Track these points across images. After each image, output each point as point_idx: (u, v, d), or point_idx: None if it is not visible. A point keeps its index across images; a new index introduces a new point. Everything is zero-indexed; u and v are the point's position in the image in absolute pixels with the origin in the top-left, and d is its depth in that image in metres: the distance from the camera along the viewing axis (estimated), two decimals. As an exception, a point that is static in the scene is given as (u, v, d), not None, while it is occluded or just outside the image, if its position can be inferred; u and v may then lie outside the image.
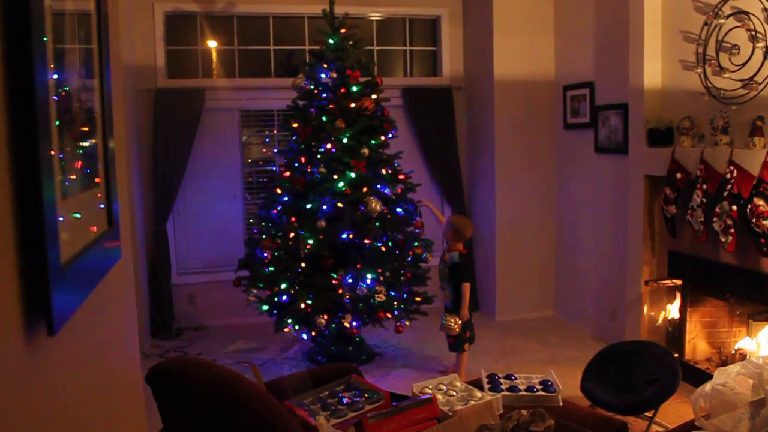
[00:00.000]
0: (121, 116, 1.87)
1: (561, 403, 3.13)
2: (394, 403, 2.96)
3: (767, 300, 4.03)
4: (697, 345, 4.68)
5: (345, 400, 3.02)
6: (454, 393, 3.18)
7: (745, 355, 4.14)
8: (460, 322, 4.74)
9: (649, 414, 3.76)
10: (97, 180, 1.52)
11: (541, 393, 3.24)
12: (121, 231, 1.67)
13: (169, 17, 6.29)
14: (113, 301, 1.67)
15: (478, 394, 3.15)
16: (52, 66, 1.13)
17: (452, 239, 4.93)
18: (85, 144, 1.43)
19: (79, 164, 1.36)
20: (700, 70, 4.37)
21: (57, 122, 1.16)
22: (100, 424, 1.45)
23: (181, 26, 6.40)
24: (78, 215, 1.29)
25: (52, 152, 1.11)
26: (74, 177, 1.32)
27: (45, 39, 1.08)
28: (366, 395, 3.07)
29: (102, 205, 1.54)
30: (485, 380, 3.36)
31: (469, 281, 4.98)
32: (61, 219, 1.13)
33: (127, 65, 5.80)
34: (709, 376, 2.92)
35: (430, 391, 3.16)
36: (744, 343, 4.33)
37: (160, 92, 6.07)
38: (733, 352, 4.46)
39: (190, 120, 6.11)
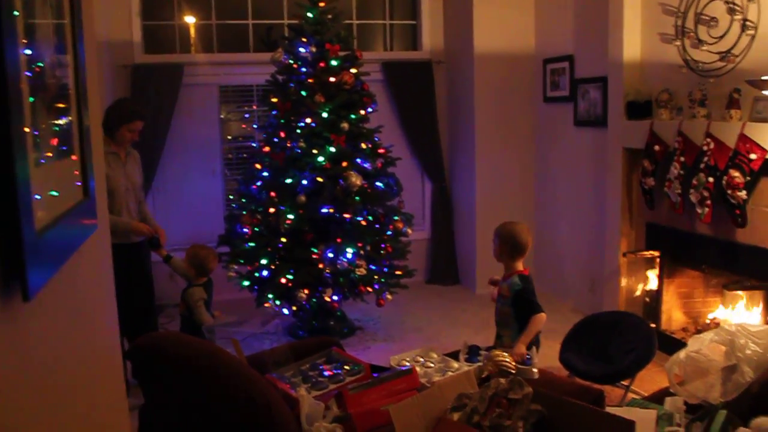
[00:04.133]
0: (97, 92, 1.85)
1: (536, 377, 3.12)
2: (374, 375, 3.00)
3: (741, 270, 4.10)
4: (673, 315, 4.76)
5: (326, 373, 3.05)
6: (432, 364, 3.22)
7: (719, 325, 4.22)
8: (512, 360, 3.07)
9: (625, 382, 3.83)
10: (73, 157, 1.51)
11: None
12: (98, 203, 1.67)
13: (145, -9, 6.20)
14: (90, 271, 1.68)
15: (455, 364, 3.19)
16: (24, 41, 1.12)
17: (507, 258, 3.66)
18: (61, 121, 1.42)
19: (55, 141, 1.36)
20: (678, 42, 4.39)
21: (31, 99, 1.15)
22: (79, 393, 1.46)
23: (158, 0, 6.30)
24: (55, 192, 1.29)
25: (26, 129, 1.10)
26: (50, 154, 1.32)
27: (16, 13, 1.07)
28: (346, 367, 3.11)
29: (79, 183, 1.54)
30: (463, 351, 3.39)
31: (543, 312, 3.49)
32: (38, 197, 1.13)
33: (103, 41, 5.72)
34: (684, 345, 2.98)
35: (408, 363, 3.20)
36: (718, 313, 4.42)
37: (138, 68, 6.00)
38: (707, 321, 4.54)
39: (169, 96, 6.05)
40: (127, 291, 4.29)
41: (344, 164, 4.93)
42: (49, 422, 1.22)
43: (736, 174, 3.81)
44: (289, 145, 4.96)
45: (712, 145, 3.99)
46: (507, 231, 3.65)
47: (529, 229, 3.74)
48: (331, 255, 4.79)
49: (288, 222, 4.79)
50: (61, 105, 1.42)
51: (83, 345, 1.55)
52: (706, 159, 4.03)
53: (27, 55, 1.15)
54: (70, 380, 1.39)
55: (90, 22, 1.77)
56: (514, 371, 2.91)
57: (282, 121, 5.05)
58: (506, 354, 3.08)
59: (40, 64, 1.26)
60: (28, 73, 1.14)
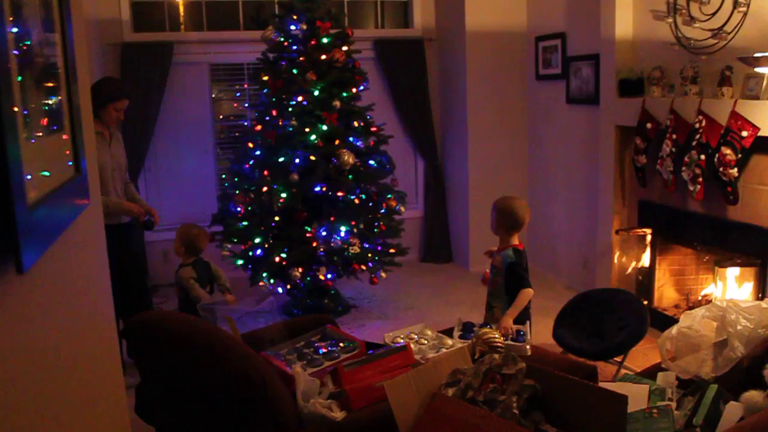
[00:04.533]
0: (86, 71, 1.83)
1: (529, 353, 3.13)
2: (369, 352, 3.01)
3: (733, 247, 4.12)
4: (665, 292, 4.79)
5: (321, 350, 3.07)
6: (426, 341, 3.24)
7: (711, 302, 4.25)
8: (500, 335, 3.13)
9: (618, 358, 3.87)
10: (64, 136, 1.50)
11: (509, 342, 3.29)
12: (90, 181, 1.67)
13: (134, -32, 6.12)
14: (84, 247, 1.67)
15: (449, 341, 3.20)
16: (10, 19, 1.11)
17: (504, 232, 3.75)
18: (51, 100, 1.41)
19: (45, 120, 1.35)
20: (670, 20, 4.37)
21: (19, 78, 1.14)
22: (75, 369, 1.47)
23: (147, -23, 6.23)
24: (46, 172, 1.29)
25: (16, 108, 1.10)
26: (41, 133, 1.31)
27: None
28: (341, 344, 3.12)
29: (70, 162, 1.53)
30: (457, 328, 3.41)
31: (531, 287, 3.58)
32: (29, 177, 1.12)
33: (92, 19, 5.66)
34: (676, 321, 3.00)
35: (402, 340, 3.22)
36: (710, 289, 4.45)
37: (127, 47, 5.95)
38: (699, 298, 4.57)
39: (159, 75, 6.00)
40: (119, 271, 4.29)
41: (336, 142, 4.91)
42: (44, 398, 1.23)
43: (728, 151, 3.82)
44: (280, 123, 4.94)
45: (703, 123, 3.99)
46: (506, 205, 3.73)
47: (527, 205, 3.82)
48: (324, 233, 4.79)
49: (281, 200, 4.79)
50: (50, 84, 1.41)
51: (78, 320, 1.56)
52: (697, 136, 4.03)
53: (14, 33, 1.13)
54: (65, 355, 1.39)
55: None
56: (502, 347, 2.95)
57: (273, 99, 5.03)
58: (493, 330, 3.12)
59: (28, 42, 1.24)
60: (15, 52, 1.13)
